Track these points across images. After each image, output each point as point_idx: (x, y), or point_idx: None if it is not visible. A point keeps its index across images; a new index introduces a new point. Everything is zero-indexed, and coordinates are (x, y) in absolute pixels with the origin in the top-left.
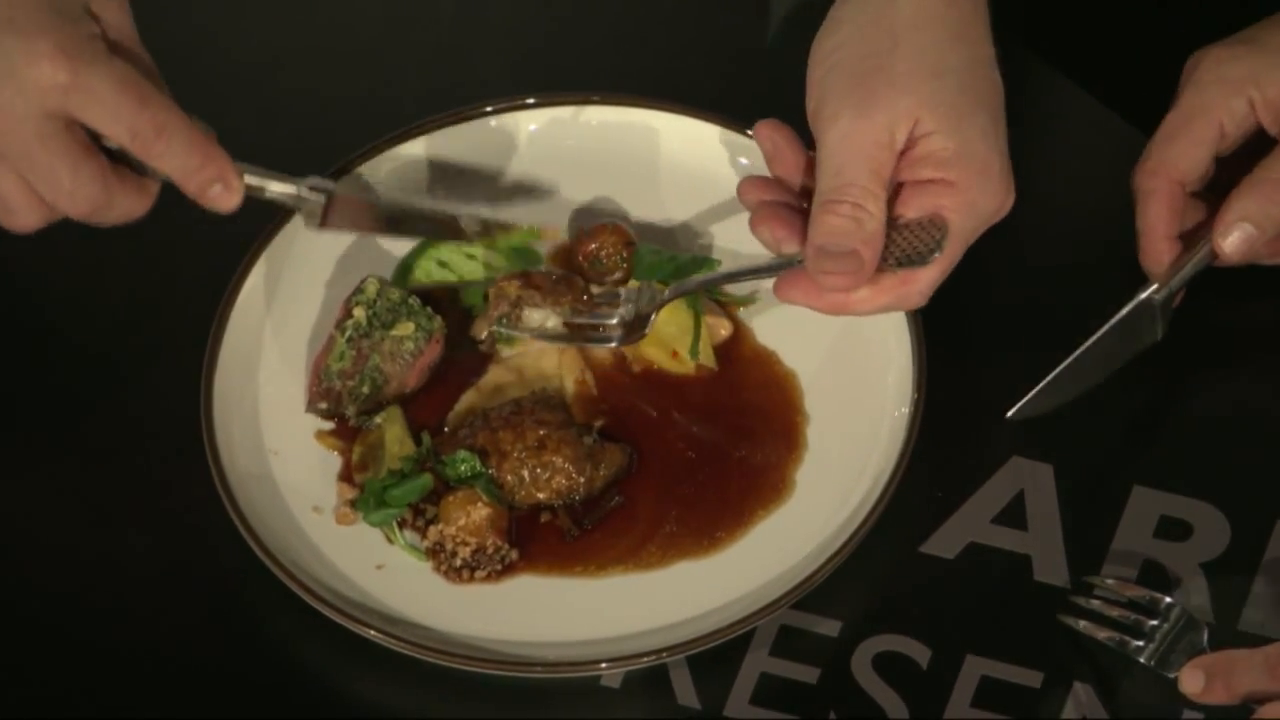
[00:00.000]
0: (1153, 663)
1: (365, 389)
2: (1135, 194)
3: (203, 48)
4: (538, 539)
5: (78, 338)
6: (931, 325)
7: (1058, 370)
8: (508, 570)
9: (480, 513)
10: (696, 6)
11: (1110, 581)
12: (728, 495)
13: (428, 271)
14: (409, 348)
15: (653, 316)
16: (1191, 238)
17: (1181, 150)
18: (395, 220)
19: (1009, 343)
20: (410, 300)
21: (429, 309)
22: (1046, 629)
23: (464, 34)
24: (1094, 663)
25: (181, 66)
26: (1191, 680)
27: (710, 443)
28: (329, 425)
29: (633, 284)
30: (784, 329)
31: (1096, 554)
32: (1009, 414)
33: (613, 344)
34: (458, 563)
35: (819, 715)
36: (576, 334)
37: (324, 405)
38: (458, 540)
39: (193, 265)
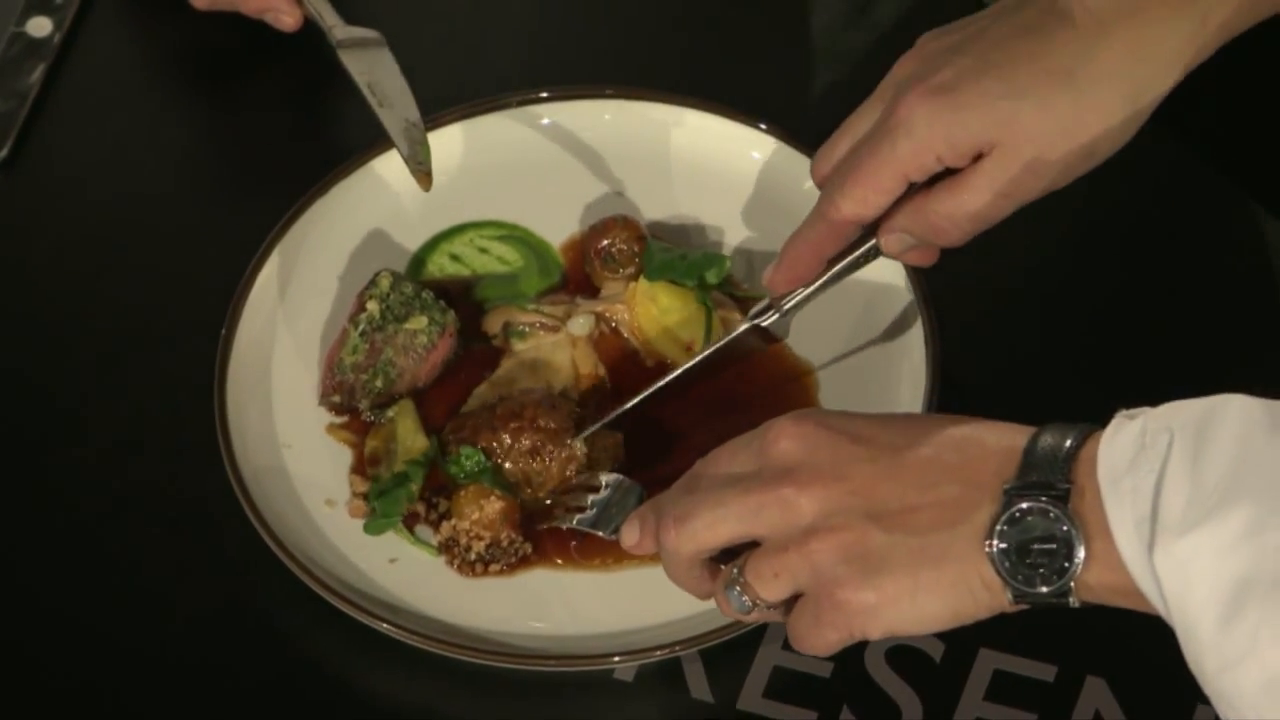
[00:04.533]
0: (594, 527)
1: (378, 383)
2: (818, 204)
3: (217, 38)
4: (552, 533)
5: (90, 330)
6: (946, 318)
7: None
8: (521, 563)
9: (493, 506)
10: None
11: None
12: None
13: (441, 266)
14: (422, 341)
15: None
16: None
17: (870, 198)
18: (379, 99)
19: (1024, 341)
20: (423, 294)
21: (442, 303)
22: (1060, 623)
23: (478, 27)
24: (1108, 657)
25: (197, 56)
26: (629, 532)
27: (724, 436)
28: (341, 419)
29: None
30: (797, 322)
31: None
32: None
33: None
34: (471, 557)
35: (832, 709)
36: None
37: (336, 398)
38: (471, 535)
39: (206, 258)
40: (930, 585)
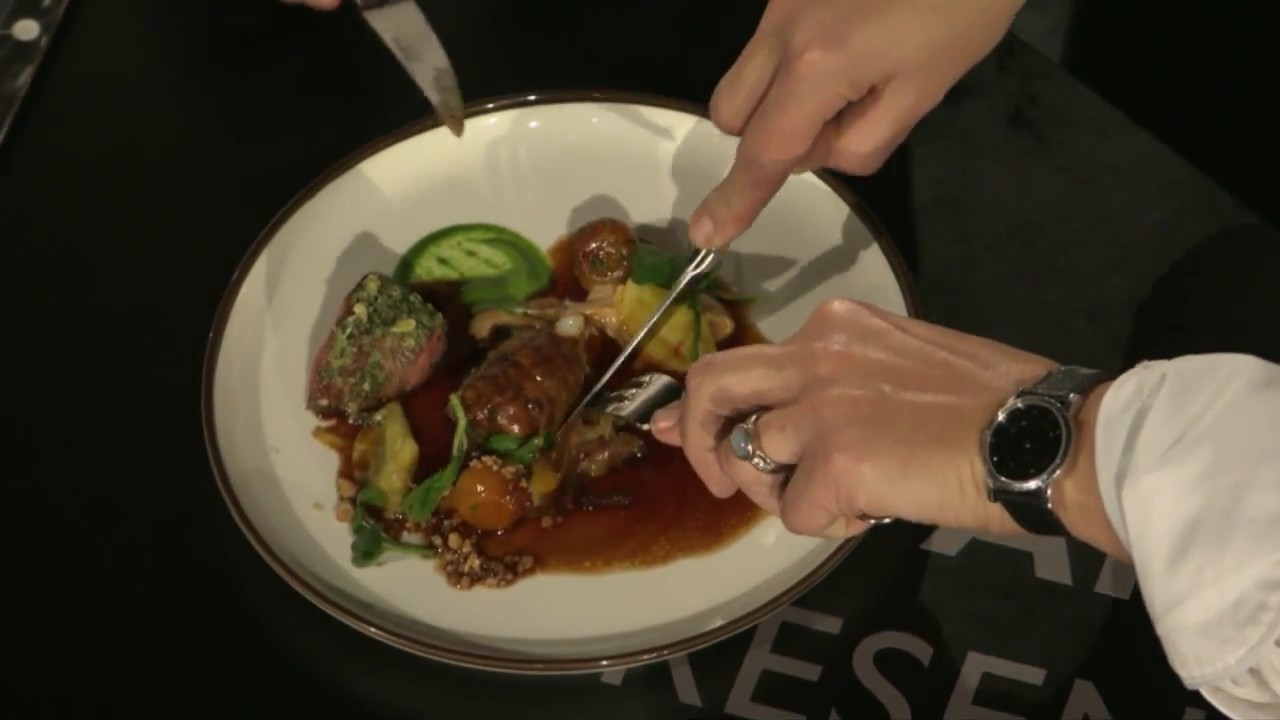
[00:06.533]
0: (637, 419)
1: (366, 386)
2: (746, 163)
3: (206, 43)
4: (543, 536)
5: (77, 334)
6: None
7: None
8: (519, 575)
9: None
10: (698, 3)
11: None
12: None
13: (429, 269)
14: (410, 345)
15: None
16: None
17: (798, 149)
18: (406, 53)
19: (1017, 344)
20: (411, 297)
21: (430, 306)
22: (1049, 626)
23: (466, 30)
24: (1097, 661)
25: (185, 60)
26: (663, 417)
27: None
28: (328, 422)
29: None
30: (787, 325)
31: (1099, 549)
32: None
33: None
34: (464, 569)
35: (821, 712)
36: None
37: (324, 402)
38: (465, 554)
39: (193, 262)
40: (922, 464)
